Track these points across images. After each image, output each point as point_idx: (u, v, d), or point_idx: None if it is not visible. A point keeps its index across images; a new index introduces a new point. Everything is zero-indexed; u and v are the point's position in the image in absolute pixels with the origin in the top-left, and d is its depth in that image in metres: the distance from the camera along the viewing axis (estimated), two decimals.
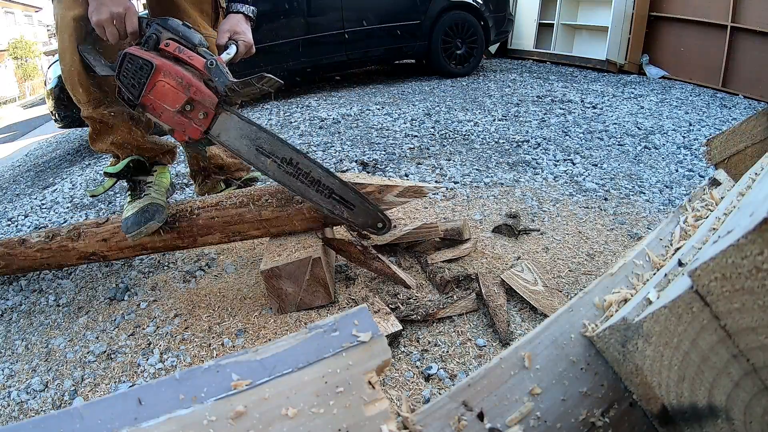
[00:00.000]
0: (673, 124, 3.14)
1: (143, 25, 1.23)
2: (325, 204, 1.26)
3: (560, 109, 3.53)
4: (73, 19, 1.26)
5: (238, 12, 1.40)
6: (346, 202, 1.26)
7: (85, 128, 4.74)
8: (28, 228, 2.27)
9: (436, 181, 2.19)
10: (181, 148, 1.73)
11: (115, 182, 1.48)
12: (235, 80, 1.17)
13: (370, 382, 0.43)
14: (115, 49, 1.28)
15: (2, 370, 1.24)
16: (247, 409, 0.40)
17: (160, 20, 1.22)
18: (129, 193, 1.45)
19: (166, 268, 1.62)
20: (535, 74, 5.18)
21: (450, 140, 2.82)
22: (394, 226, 1.67)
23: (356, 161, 2.51)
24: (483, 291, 1.26)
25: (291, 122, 3.49)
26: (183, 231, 1.38)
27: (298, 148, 1.25)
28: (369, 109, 3.66)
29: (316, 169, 1.24)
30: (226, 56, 1.27)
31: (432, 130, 3.03)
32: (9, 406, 1.12)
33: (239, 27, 1.38)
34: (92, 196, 1.53)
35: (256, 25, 1.46)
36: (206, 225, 1.37)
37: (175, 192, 1.69)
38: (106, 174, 1.45)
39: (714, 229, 0.56)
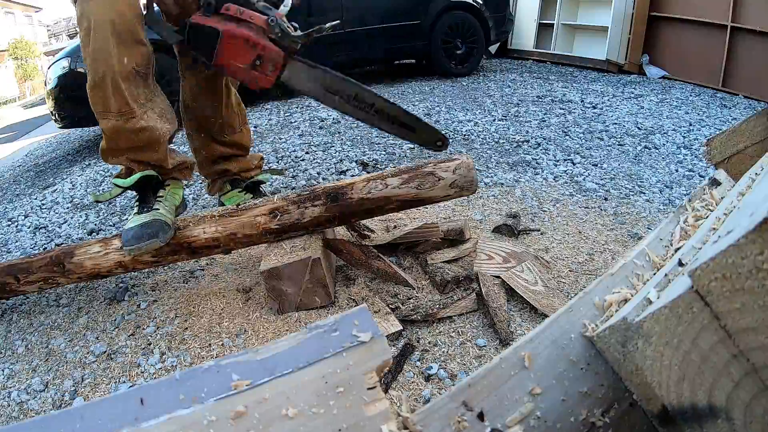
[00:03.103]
0: (673, 124, 3.14)
1: None
2: (391, 130, 1.46)
3: (560, 109, 3.53)
4: (111, 21, 1.20)
5: None
6: (408, 126, 1.47)
7: (86, 128, 4.75)
8: (29, 228, 2.27)
9: None
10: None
11: (123, 191, 1.41)
12: (297, 34, 1.32)
13: (370, 382, 0.43)
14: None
15: (2, 370, 1.24)
16: (247, 409, 0.40)
17: None
18: (137, 203, 1.38)
19: (166, 268, 1.62)
20: (535, 74, 5.18)
21: (450, 140, 2.82)
22: (394, 227, 1.67)
23: (356, 161, 2.51)
24: (483, 291, 1.26)
25: (291, 122, 3.49)
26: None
27: (360, 83, 1.42)
28: None
29: (379, 101, 1.42)
30: (283, 9, 1.36)
31: None
32: (9, 406, 1.12)
33: None
34: (97, 201, 1.47)
35: None
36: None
37: (186, 209, 1.63)
38: (115, 184, 1.39)
39: (714, 229, 0.56)
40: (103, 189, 2.70)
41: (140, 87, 1.30)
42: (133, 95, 1.28)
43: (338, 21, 1.37)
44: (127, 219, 2.06)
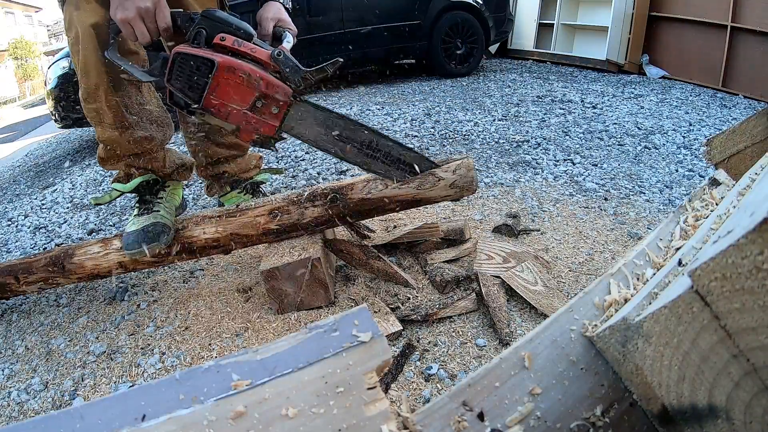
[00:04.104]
0: (673, 124, 3.14)
1: (177, 21, 1.11)
2: (405, 180, 1.26)
3: (560, 109, 3.53)
4: (92, 26, 1.14)
5: (276, 0, 1.31)
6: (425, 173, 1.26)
7: (86, 128, 4.75)
8: (29, 228, 2.27)
9: None
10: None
11: (122, 193, 1.41)
12: (308, 69, 1.12)
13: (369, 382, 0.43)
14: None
15: (2, 370, 1.24)
16: (247, 409, 0.40)
17: (206, 12, 1.11)
18: (137, 205, 1.39)
19: (166, 268, 1.62)
20: (535, 74, 5.18)
21: (450, 140, 2.82)
22: (394, 227, 1.67)
23: None
24: (483, 291, 1.26)
25: None
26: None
27: (374, 128, 1.21)
28: (369, 109, 3.66)
29: (396, 148, 1.22)
30: (287, 44, 1.19)
31: (432, 130, 3.03)
32: (9, 406, 1.12)
33: (282, 15, 1.28)
34: (96, 204, 1.46)
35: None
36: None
37: (186, 209, 1.62)
38: (115, 188, 1.39)
39: (714, 229, 0.56)
40: (103, 190, 2.70)
41: (133, 96, 1.28)
42: (127, 105, 1.25)
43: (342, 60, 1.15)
44: (127, 219, 2.06)
